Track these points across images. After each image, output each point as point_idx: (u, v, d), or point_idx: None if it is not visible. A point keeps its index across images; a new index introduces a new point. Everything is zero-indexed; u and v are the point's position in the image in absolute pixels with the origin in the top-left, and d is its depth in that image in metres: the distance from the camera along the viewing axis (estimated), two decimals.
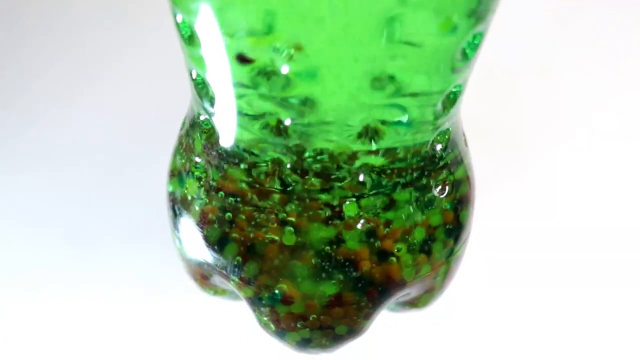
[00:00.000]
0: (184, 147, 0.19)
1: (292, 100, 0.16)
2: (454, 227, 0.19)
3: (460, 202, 0.19)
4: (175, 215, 0.19)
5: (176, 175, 0.19)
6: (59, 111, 0.31)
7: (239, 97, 0.16)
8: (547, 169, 0.30)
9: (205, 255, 0.19)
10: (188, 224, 0.19)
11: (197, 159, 0.18)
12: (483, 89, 0.32)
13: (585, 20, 0.35)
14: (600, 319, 0.26)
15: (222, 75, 0.16)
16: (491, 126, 0.31)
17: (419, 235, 0.18)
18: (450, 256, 0.19)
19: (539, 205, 0.29)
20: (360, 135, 0.16)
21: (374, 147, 0.17)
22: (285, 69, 0.15)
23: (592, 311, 0.26)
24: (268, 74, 0.15)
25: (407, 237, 0.18)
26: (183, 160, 0.19)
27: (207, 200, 0.18)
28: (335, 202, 0.17)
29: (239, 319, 0.25)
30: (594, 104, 0.32)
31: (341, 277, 0.18)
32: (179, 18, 0.16)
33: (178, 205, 0.19)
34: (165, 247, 0.27)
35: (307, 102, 0.16)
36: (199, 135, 0.18)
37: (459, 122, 0.19)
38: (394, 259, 0.18)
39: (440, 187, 0.18)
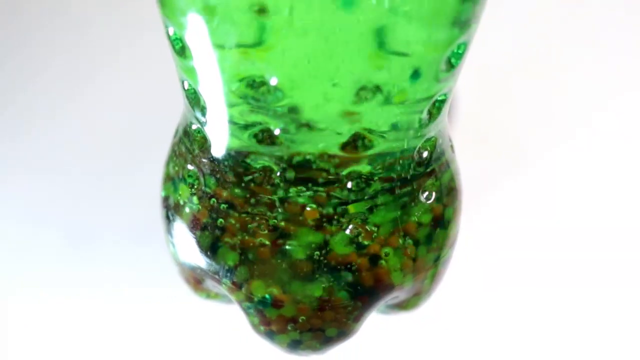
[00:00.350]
0: (176, 155, 0.20)
1: (280, 110, 0.16)
2: (441, 232, 0.19)
3: (447, 207, 0.19)
4: (169, 220, 0.20)
5: (169, 181, 0.20)
6: (60, 111, 0.31)
7: (230, 107, 0.16)
8: (546, 170, 0.30)
9: (198, 260, 0.19)
10: (181, 230, 0.19)
11: (190, 167, 0.19)
12: (482, 89, 0.32)
13: (585, 20, 0.35)
14: (599, 321, 0.26)
15: (213, 86, 0.16)
16: (490, 126, 0.31)
17: (406, 240, 0.19)
18: (438, 260, 0.20)
19: (537, 206, 0.29)
20: (348, 143, 0.17)
21: (361, 154, 0.17)
22: (274, 81, 0.15)
23: (589, 313, 0.26)
24: (257, 85, 0.16)
25: (394, 241, 0.18)
26: (176, 168, 0.20)
27: (200, 207, 0.19)
28: (324, 208, 0.18)
29: (239, 321, 0.25)
30: (593, 104, 0.32)
31: (330, 281, 0.18)
32: (171, 31, 0.16)
33: (171, 211, 0.20)
34: (165, 248, 0.27)
35: (295, 112, 0.16)
36: (191, 143, 0.19)
37: (446, 128, 0.19)
38: (382, 262, 0.18)
39: (427, 192, 0.19)
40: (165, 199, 0.20)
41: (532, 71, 0.33)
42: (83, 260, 0.27)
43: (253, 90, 0.16)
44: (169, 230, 0.20)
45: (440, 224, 0.19)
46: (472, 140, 0.30)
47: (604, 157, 0.31)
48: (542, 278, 0.27)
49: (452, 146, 0.20)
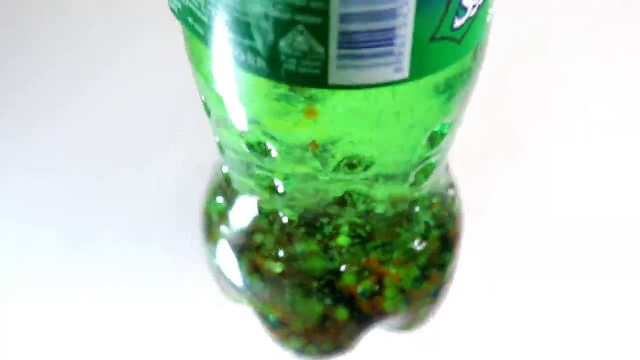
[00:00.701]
0: (214, 181, 0.22)
1: (281, 174, 0.17)
2: (440, 266, 0.21)
3: (446, 242, 0.20)
4: (205, 229, 0.22)
5: (208, 196, 0.22)
6: (60, 111, 0.31)
7: (237, 155, 0.17)
8: (542, 163, 0.30)
9: (222, 271, 0.21)
10: (210, 242, 0.22)
11: (219, 200, 0.21)
12: (478, 82, 0.32)
13: (581, 13, 0.35)
14: (596, 318, 0.26)
15: (227, 141, 0.17)
16: (486, 119, 0.31)
17: (406, 273, 0.20)
18: (437, 290, 0.21)
19: (533, 199, 0.29)
20: (341, 201, 0.18)
21: (356, 209, 0.18)
22: (274, 153, 0.16)
23: (587, 309, 0.26)
24: (259, 148, 0.16)
25: (394, 275, 0.20)
26: (212, 189, 0.22)
27: (224, 228, 0.21)
28: (327, 244, 0.19)
29: (238, 321, 0.25)
30: (589, 97, 0.32)
31: (332, 304, 0.20)
32: (202, 97, 0.17)
33: (206, 223, 0.22)
34: (165, 248, 0.27)
35: (293, 175, 0.17)
36: (220, 177, 0.21)
37: (443, 178, 0.20)
38: (380, 294, 0.20)
39: (425, 234, 0.20)
40: (204, 209, 0.22)
41: (528, 64, 0.33)
42: (83, 260, 0.27)
43: (255, 152, 0.16)
44: (204, 238, 0.22)
45: (440, 258, 0.21)
46: (468, 133, 0.31)
47: (600, 150, 0.30)
48: (538, 272, 0.27)
49: (452, 184, 0.21)
